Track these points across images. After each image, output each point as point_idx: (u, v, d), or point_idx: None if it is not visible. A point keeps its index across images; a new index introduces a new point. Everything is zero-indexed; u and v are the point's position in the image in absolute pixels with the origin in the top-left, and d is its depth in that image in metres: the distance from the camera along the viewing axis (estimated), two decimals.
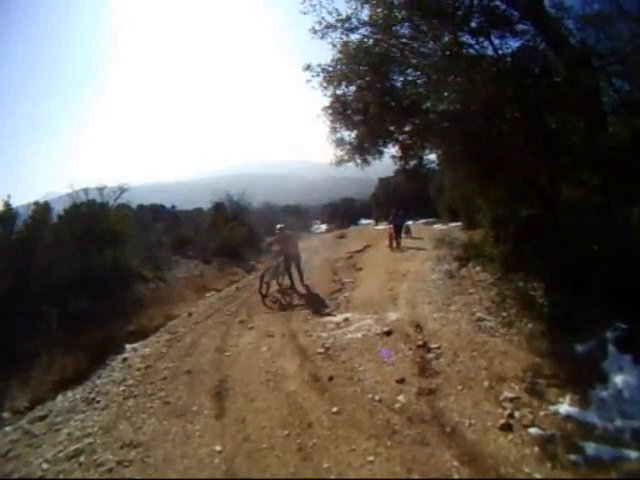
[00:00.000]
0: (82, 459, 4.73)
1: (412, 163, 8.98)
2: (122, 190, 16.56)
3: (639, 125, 6.71)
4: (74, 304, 10.63)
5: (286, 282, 11.64)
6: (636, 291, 5.18)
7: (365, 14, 7.59)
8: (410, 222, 21.86)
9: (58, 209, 14.26)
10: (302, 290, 11.03)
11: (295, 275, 11.59)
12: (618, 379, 4.55)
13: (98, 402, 6.18)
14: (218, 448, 4.54)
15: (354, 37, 7.72)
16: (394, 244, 17.06)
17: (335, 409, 4.96)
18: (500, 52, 7.53)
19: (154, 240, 17.58)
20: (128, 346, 8.70)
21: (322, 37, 7.77)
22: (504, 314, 6.97)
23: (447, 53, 7.12)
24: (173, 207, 29.40)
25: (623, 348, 4.84)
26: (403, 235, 18.30)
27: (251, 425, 4.89)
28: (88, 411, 5.95)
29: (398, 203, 24.60)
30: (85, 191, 14.95)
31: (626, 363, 4.68)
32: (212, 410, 5.34)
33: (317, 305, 9.40)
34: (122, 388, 6.51)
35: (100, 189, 15.78)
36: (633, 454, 3.81)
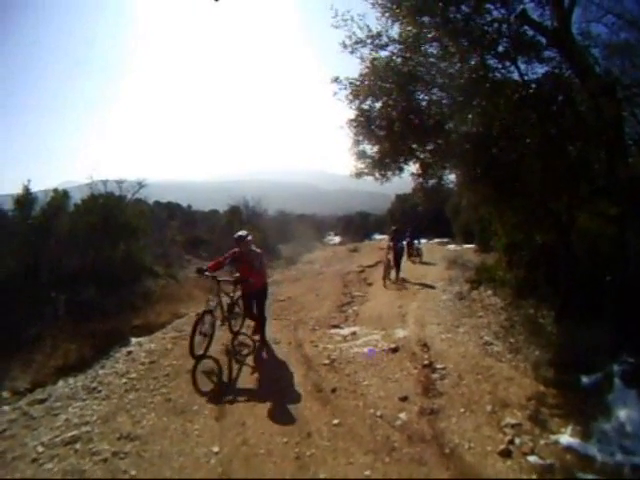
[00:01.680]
0: (78, 446, 4.74)
1: (431, 182, 9.01)
2: (141, 185, 16.80)
3: None
4: (83, 293, 10.77)
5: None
6: None
7: (395, 32, 7.68)
8: (421, 241, 19.35)
9: (76, 198, 14.52)
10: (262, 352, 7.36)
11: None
12: (621, 413, 4.50)
13: (99, 392, 6.18)
14: (215, 449, 4.55)
15: (383, 53, 7.80)
16: (391, 275, 13.38)
17: (336, 421, 4.95)
18: (526, 77, 7.58)
19: (168, 237, 17.73)
20: (133, 340, 8.78)
21: (352, 52, 7.83)
22: (512, 340, 6.94)
23: (473, 75, 7.18)
24: (189, 206, 29.71)
25: (629, 382, 4.80)
26: (404, 261, 14.51)
27: (250, 430, 4.88)
28: (88, 400, 5.95)
29: (407, 219, 24.46)
30: (104, 183, 15.20)
31: (631, 398, 4.63)
32: (212, 411, 5.35)
33: (325, 317, 9.37)
34: (124, 380, 6.50)
35: (119, 182, 16.04)
36: None
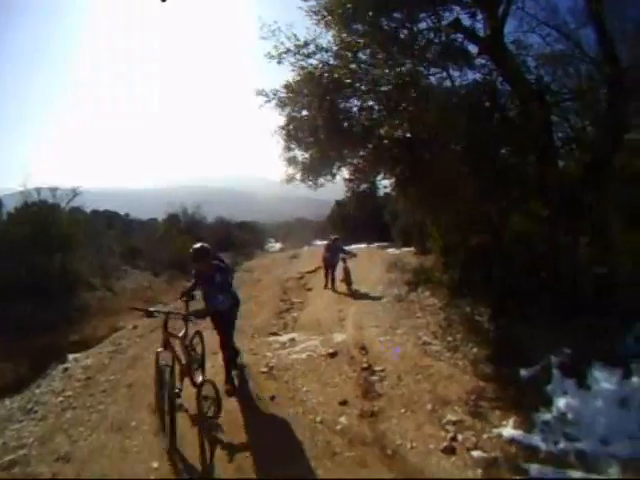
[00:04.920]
0: (16, 470, 4.49)
1: (363, 187, 9.09)
2: (75, 193, 16.13)
3: (589, 161, 7.00)
4: (18, 307, 10.15)
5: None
6: (580, 317, 5.34)
7: (326, 40, 7.72)
8: (353, 248, 17.29)
9: (9, 206, 13.84)
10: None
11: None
12: (562, 402, 4.61)
13: (35, 412, 5.90)
14: (155, 465, 4.30)
15: (312, 61, 7.79)
16: (331, 284, 12.68)
17: (276, 429, 4.78)
18: (457, 83, 7.78)
19: (105, 248, 17.06)
20: (70, 356, 8.39)
21: (279, 62, 7.80)
22: (450, 338, 7.01)
23: (402, 82, 7.28)
24: (127, 215, 28.79)
25: (567, 372, 4.93)
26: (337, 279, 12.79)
27: (189, 443, 4.64)
28: (25, 421, 5.68)
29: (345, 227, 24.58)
30: (38, 191, 14.47)
31: (570, 387, 4.76)
32: (151, 426, 5.06)
33: (264, 325, 9.21)
34: (61, 399, 6.20)
35: (53, 190, 15.33)
36: (577, 474, 3.84)
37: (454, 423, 4.63)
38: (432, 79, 7.89)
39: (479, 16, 7.38)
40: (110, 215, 26.42)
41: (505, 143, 7.30)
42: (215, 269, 5.26)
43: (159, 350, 4.84)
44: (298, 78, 7.82)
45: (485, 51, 7.30)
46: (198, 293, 5.61)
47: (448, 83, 7.78)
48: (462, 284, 8.37)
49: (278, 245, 38.36)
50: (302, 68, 7.72)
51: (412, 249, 17.65)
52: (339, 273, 12.87)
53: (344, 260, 12.90)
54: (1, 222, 13.28)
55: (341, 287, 12.60)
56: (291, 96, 7.97)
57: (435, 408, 4.98)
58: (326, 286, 12.84)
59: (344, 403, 5.30)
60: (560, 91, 7.50)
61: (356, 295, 11.53)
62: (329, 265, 12.85)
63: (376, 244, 25.52)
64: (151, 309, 5.44)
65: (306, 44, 7.61)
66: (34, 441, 5.06)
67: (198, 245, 5.24)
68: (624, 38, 7.11)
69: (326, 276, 13.00)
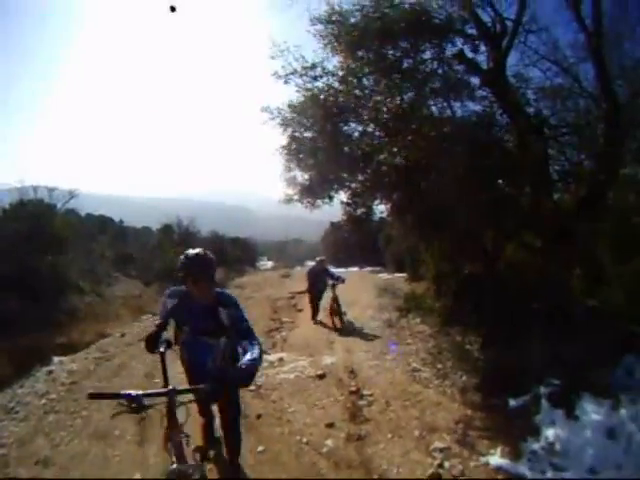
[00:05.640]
0: None
1: (360, 211, 9.17)
2: (72, 195, 16.16)
3: (584, 194, 7.11)
4: (5, 305, 10.05)
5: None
6: (570, 348, 5.38)
7: (332, 64, 7.89)
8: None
9: (4, 201, 13.80)
10: None
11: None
12: (550, 433, 4.58)
13: (17, 412, 5.85)
14: (137, 477, 4.23)
15: (318, 84, 7.95)
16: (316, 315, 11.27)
17: (261, 448, 4.69)
18: (457, 114, 7.93)
19: (97, 252, 16.98)
20: (55, 358, 8.32)
21: (286, 82, 7.96)
22: (439, 366, 6.98)
23: (401, 110, 7.43)
24: (121, 221, 28.66)
25: (556, 403, 4.91)
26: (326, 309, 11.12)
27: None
28: (6, 420, 5.62)
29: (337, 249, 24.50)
30: (35, 189, 14.46)
31: (558, 417, 4.74)
32: (134, 436, 4.97)
33: None
34: (44, 401, 6.17)
35: (50, 190, 15.34)
36: None
37: (441, 450, 4.57)
38: (433, 109, 8.05)
39: (482, 49, 7.62)
40: (104, 220, 26.34)
41: (502, 174, 7.41)
42: (217, 299, 3.24)
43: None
44: (302, 99, 7.95)
45: (487, 83, 7.48)
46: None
47: (449, 113, 7.93)
48: (453, 312, 8.39)
49: (270, 263, 38.36)
50: (307, 90, 7.87)
51: (404, 275, 17.70)
52: (326, 302, 11.05)
53: (333, 287, 10.79)
54: None
55: (328, 320, 10.84)
56: (294, 116, 8.10)
57: (423, 435, 4.92)
58: (314, 318, 11.13)
59: (331, 425, 5.22)
60: (558, 125, 7.66)
61: (345, 330, 10.34)
62: (315, 292, 11.12)
63: (368, 268, 25.54)
64: (133, 393, 2.70)
65: (313, 66, 7.76)
66: (14, 442, 4.99)
67: (199, 251, 3.17)
68: (622, 74, 7.31)
69: (312, 306, 11.27)
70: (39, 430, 5.27)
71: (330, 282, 10.90)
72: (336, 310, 10.59)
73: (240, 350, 2.89)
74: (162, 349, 3.20)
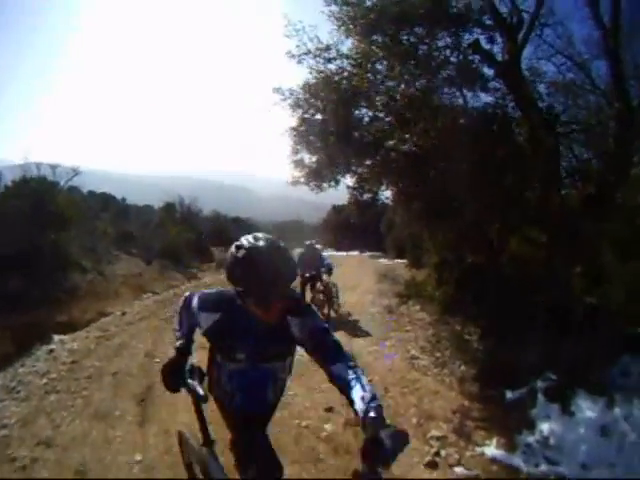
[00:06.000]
0: None
1: (366, 196, 9.14)
2: (75, 172, 16.06)
3: (591, 193, 7.10)
4: (7, 282, 10.06)
5: None
6: (568, 344, 5.43)
7: (346, 47, 7.80)
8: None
9: (7, 178, 13.72)
10: None
11: None
12: (545, 426, 4.66)
13: (18, 392, 5.80)
14: (138, 457, 4.24)
15: (331, 66, 7.86)
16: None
17: None
18: (469, 104, 7.88)
19: (99, 230, 16.95)
20: (56, 337, 8.29)
21: (299, 62, 7.88)
22: (438, 354, 7.05)
23: (415, 97, 7.36)
24: (123, 199, 28.48)
25: (551, 397, 4.99)
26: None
27: (174, 437, 4.64)
28: (7, 400, 5.57)
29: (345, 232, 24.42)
30: (38, 166, 14.39)
31: (553, 412, 4.82)
32: (135, 417, 5.04)
33: None
34: (45, 381, 6.12)
35: (53, 167, 15.27)
36: None
37: (438, 439, 4.65)
38: (445, 97, 7.98)
39: (498, 40, 7.52)
40: (106, 198, 26.19)
41: (510, 168, 7.38)
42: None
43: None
44: (314, 81, 7.87)
45: (501, 75, 7.41)
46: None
47: (461, 103, 7.87)
48: (454, 301, 8.42)
49: (318, 245, 38.33)
50: (320, 72, 7.78)
51: (404, 261, 17.73)
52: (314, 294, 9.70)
53: (328, 272, 9.72)
54: None
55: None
56: (307, 97, 8.00)
57: (420, 422, 5.01)
58: None
59: (330, 410, 5.28)
60: (569, 122, 7.62)
61: (344, 305, 10.68)
62: (305, 281, 9.72)
63: (368, 253, 25.58)
64: None
65: (328, 48, 7.68)
66: (16, 422, 4.98)
67: (269, 244, 1.90)
68: (636, 74, 7.23)
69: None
70: (40, 410, 5.26)
71: (322, 269, 9.64)
72: (327, 299, 9.50)
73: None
74: (192, 384, 2.22)
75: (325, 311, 9.29)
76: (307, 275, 9.59)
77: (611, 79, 6.97)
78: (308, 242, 10.40)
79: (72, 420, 5.00)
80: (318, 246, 10.42)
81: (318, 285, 9.74)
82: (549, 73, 7.75)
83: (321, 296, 9.58)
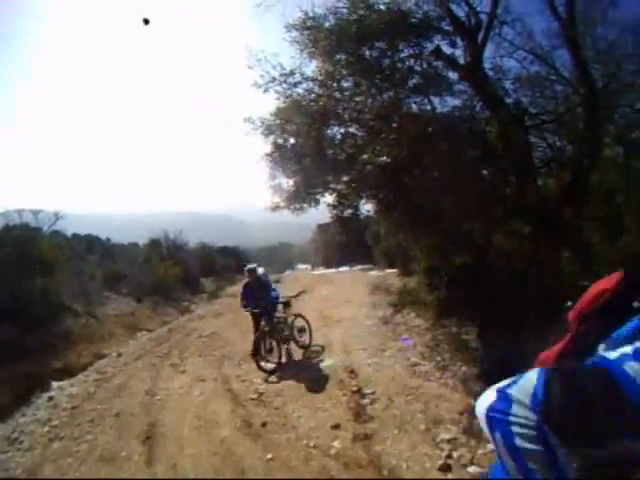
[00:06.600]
0: None
1: (347, 212, 9.19)
2: (57, 217, 16.03)
3: (567, 179, 7.23)
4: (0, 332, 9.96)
5: None
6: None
7: (310, 69, 7.93)
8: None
9: None
10: None
11: None
12: None
13: (21, 442, 5.78)
14: None
15: (298, 90, 7.98)
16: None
17: (269, 455, 4.73)
18: (438, 110, 8.02)
19: (87, 273, 16.84)
20: (54, 384, 8.30)
21: (265, 90, 7.96)
22: (438, 358, 7.08)
23: (383, 110, 7.49)
24: (108, 240, 28.30)
25: None
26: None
27: (182, 471, 4.58)
28: (11, 451, 5.55)
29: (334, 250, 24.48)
30: (19, 213, 14.34)
31: None
32: (142, 456, 4.98)
33: (250, 351, 9.12)
34: (47, 429, 6.09)
35: (35, 213, 15.22)
36: None
37: (448, 441, 4.64)
38: (413, 106, 8.12)
39: (459, 44, 7.71)
40: (91, 239, 26.04)
41: (485, 165, 7.51)
42: None
43: None
44: (284, 105, 7.97)
45: (465, 77, 7.59)
46: None
47: (429, 109, 8.01)
48: (447, 304, 8.46)
49: (261, 270, 38.23)
50: (287, 97, 7.89)
51: (395, 271, 17.77)
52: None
53: (285, 305, 8.56)
54: None
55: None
56: (277, 123, 8.10)
57: (428, 427, 4.99)
58: (255, 356, 7.64)
59: (336, 427, 5.26)
60: (538, 113, 7.81)
61: (341, 320, 10.90)
62: (256, 318, 8.14)
63: (359, 266, 25.55)
64: None
65: (292, 73, 7.79)
66: (22, 472, 4.96)
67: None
68: (597, 58, 7.46)
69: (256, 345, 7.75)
70: (45, 459, 5.22)
71: (275, 300, 8.19)
72: (279, 342, 7.86)
73: None
74: None
75: (276, 359, 7.67)
76: (256, 310, 8.00)
77: (574, 67, 7.20)
78: (250, 266, 8.51)
79: (78, 466, 4.96)
80: (261, 270, 8.49)
81: (262, 325, 7.87)
82: (513, 69, 7.98)
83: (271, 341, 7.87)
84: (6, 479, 4.33)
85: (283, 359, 7.75)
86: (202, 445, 5.10)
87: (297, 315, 8.73)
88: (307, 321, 8.80)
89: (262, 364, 7.46)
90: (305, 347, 8.43)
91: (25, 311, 10.94)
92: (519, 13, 7.70)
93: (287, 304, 8.61)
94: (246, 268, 8.51)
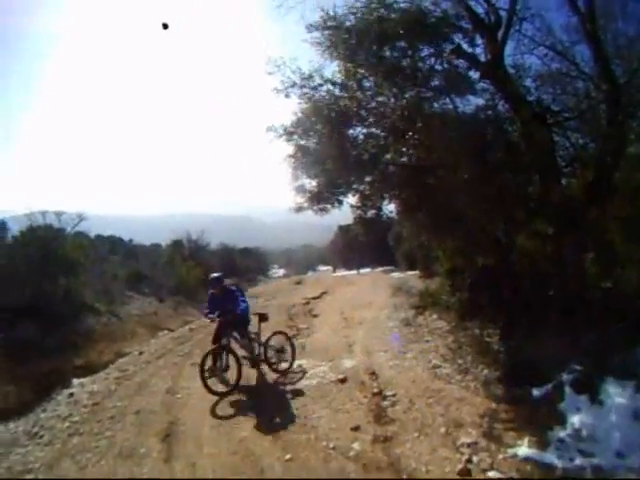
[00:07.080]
0: None
1: (370, 213, 9.13)
2: (81, 218, 16.31)
3: (590, 177, 7.08)
4: (22, 331, 10.19)
5: None
6: (589, 332, 5.35)
7: (330, 71, 7.91)
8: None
9: (13, 229, 13.98)
10: None
11: None
12: (575, 419, 4.58)
13: (41, 437, 5.88)
14: None
15: (319, 92, 7.94)
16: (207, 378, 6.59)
17: (288, 456, 4.73)
18: (460, 109, 7.92)
19: (109, 273, 17.16)
20: (75, 381, 8.45)
21: (286, 95, 7.96)
22: (460, 361, 6.99)
23: (406, 111, 7.43)
24: (131, 240, 28.82)
25: (579, 389, 4.91)
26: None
27: (201, 470, 4.60)
28: (30, 445, 5.66)
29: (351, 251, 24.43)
30: (43, 214, 14.63)
31: (583, 403, 4.74)
32: (161, 453, 5.02)
33: None
34: (67, 424, 6.19)
35: (58, 214, 15.52)
36: None
37: (468, 445, 4.59)
38: (436, 106, 8.03)
39: (479, 42, 7.61)
40: (114, 240, 26.55)
41: (508, 165, 7.38)
42: None
43: None
44: (305, 107, 7.97)
45: (486, 76, 7.47)
46: None
47: (451, 109, 7.92)
48: (470, 306, 8.36)
49: (282, 271, 38.48)
50: (309, 99, 7.88)
51: (417, 272, 17.65)
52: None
53: (261, 319, 7.69)
54: (6, 246, 13.38)
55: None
56: (300, 126, 8.10)
57: (449, 431, 4.94)
58: (203, 378, 6.52)
59: (356, 429, 5.24)
60: (560, 110, 7.64)
61: (362, 321, 11.05)
62: (221, 330, 7.18)
63: (380, 268, 25.51)
64: None
65: (311, 76, 7.76)
66: (41, 466, 5.04)
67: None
68: (618, 53, 7.28)
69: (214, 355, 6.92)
70: (64, 454, 5.30)
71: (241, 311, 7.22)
72: (255, 358, 7.23)
73: None
74: None
75: (234, 380, 6.75)
76: (212, 316, 7.35)
77: (595, 62, 7.05)
78: (214, 275, 7.70)
79: (97, 461, 5.02)
80: (228, 281, 8.02)
81: (224, 341, 7.06)
82: (534, 66, 7.79)
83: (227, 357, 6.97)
84: (7, 479, 4.39)
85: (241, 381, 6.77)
86: (221, 444, 5.13)
87: (277, 332, 7.81)
88: (290, 339, 7.90)
89: (209, 382, 6.55)
90: (281, 372, 7.39)
91: (48, 310, 11.18)
92: (538, 8, 7.57)
93: (262, 318, 7.70)
94: (210, 277, 7.73)
